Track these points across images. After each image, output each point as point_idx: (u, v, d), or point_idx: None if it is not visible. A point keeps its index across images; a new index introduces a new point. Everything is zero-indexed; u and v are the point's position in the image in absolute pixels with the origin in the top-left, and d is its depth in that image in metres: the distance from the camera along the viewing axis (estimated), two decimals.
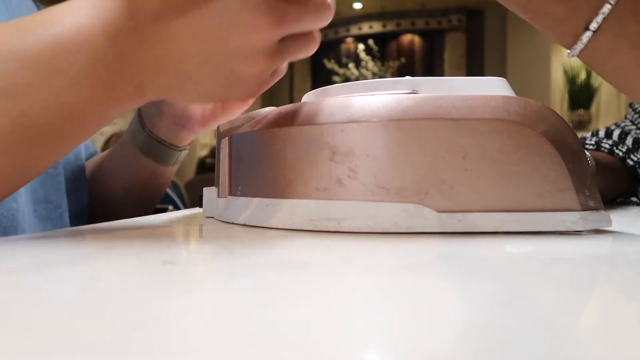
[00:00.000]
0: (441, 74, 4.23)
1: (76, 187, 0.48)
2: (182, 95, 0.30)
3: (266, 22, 0.26)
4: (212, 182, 0.39)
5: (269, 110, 0.34)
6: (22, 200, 0.38)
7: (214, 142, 0.56)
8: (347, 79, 4.60)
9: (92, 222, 0.52)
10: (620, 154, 0.60)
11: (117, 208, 0.51)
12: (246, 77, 0.28)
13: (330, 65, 4.87)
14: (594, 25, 0.25)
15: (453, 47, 4.73)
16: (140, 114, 0.46)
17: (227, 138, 0.34)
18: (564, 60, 4.00)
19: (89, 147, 0.55)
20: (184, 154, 0.48)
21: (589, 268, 0.21)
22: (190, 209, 0.44)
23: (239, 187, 0.32)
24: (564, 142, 0.27)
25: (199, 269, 0.20)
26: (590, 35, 0.25)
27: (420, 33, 4.84)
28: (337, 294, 0.15)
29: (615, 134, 0.63)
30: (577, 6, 0.25)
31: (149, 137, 0.46)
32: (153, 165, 0.47)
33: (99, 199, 0.52)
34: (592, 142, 0.63)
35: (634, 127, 0.64)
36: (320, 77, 5.00)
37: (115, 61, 0.25)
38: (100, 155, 0.54)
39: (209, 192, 0.37)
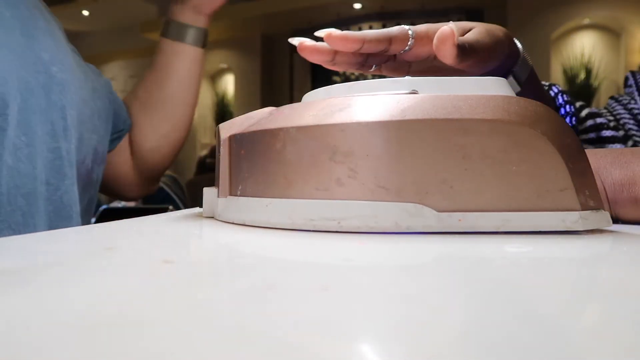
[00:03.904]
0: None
1: (84, 187, 0.57)
2: None
3: None
4: (212, 182, 0.39)
5: (269, 110, 0.34)
6: (29, 181, 0.47)
7: (214, 142, 0.57)
8: (347, 79, 4.60)
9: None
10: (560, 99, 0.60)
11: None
12: None
13: None
14: None
15: None
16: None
17: (227, 138, 0.34)
18: (564, 60, 4.00)
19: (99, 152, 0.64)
20: (196, 32, 0.66)
21: (589, 268, 0.21)
22: (190, 209, 0.44)
23: (239, 187, 0.32)
24: (564, 142, 0.27)
25: (199, 269, 0.20)
26: None
27: None
28: (337, 294, 0.15)
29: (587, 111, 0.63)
30: None
31: (166, 21, 0.66)
32: (170, 44, 0.65)
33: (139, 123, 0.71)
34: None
35: (605, 111, 0.66)
36: (320, 77, 5.00)
37: None
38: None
39: (209, 192, 0.37)
